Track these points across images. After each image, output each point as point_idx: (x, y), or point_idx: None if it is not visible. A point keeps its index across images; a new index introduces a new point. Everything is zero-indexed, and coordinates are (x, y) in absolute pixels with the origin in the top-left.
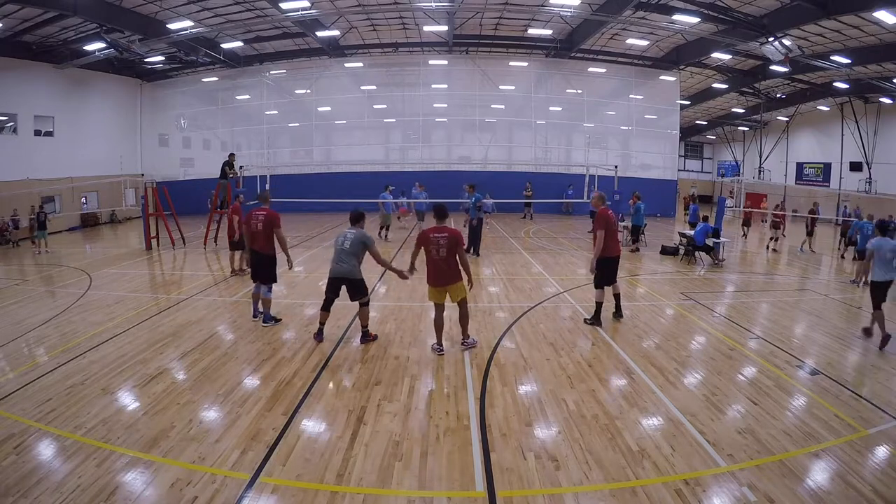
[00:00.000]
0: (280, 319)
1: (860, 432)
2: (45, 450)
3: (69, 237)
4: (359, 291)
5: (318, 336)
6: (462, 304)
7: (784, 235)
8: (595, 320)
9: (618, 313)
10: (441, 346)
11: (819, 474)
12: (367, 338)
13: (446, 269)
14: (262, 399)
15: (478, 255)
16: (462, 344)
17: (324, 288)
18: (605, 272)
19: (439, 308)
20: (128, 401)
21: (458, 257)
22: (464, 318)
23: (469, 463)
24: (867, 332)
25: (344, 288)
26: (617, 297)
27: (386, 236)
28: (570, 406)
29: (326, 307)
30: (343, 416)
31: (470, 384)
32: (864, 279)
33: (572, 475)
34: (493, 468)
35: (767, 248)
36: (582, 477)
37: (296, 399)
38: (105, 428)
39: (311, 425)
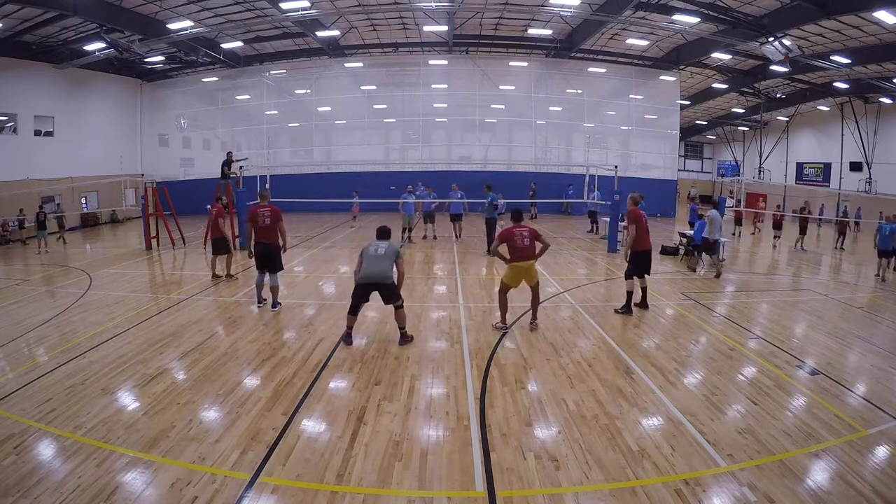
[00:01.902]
0: (280, 303)
1: (860, 432)
2: (45, 450)
3: (69, 237)
4: (393, 294)
5: (349, 339)
6: (536, 288)
7: (758, 231)
8: (626, 309)
9: (643, 304)
10: (505, 323)
11: (819, 474)
12: (405, 339)
13: (530, 250)
14: (262, 399)
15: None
16: (531, 324)
17: (324, 288)
18: (637, 264)
19: (507, 290)
20: (128, 401)
21: (540, 243)
22: (536, 301)
23: (469, 463)
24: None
25: (377, 293)
26: (644, 290)
27: (409, 238)
28: (570, 406)
29: (354, 311)
30: (343, 416)
31: (470, 384)
32: (882, 274)
33: (572, 475)
34: (493, 468)
35: (735, 235)
36: (582, 477)
37: (296, 399)
38: (105, 428)
39: (311, 425)
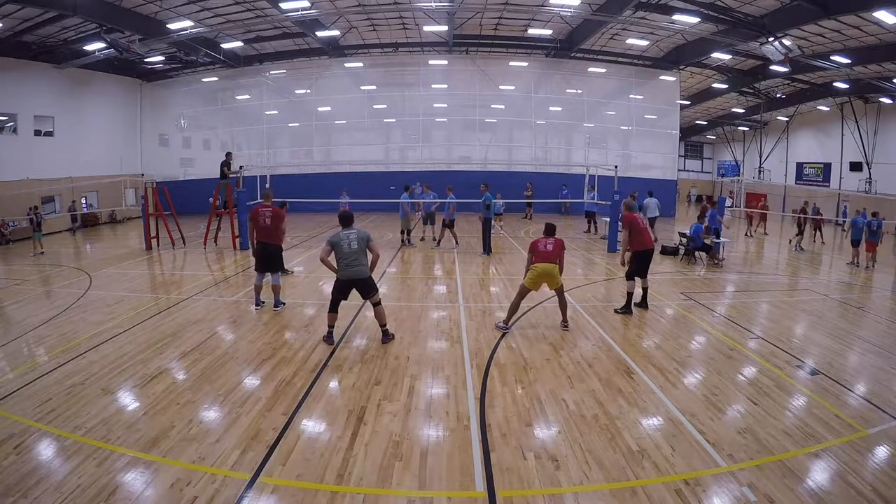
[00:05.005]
0: (285, 303)
1: (860, 432)
2: (45, 450)
3: (68, 237)
4: (371, 289)
5: (329, 339)
6: (560, 293)
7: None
8: (626, 310)
9: (643, 304)
10: (507, 324)
11: (819, 474)
12: (387, 337)
13: (552, 255)
14: (262, 399)
15: (489, 253)
16: (563, 327)
17: (324, 288)
18: (637, 264)
19: (525, 294)
20: (128, 401)
21: (560, 257)
22: (563, 305)
23: (469, 463)
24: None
25: (354, 289)
26: (645, 290)
27: (408, 240)
28: (570, 406)
29: (335, 308)
30: (343, 416)
31: (470, 384)
32: (856, 261)
33: (572, 475)
34: (493, 468)
35: (746, 234)
36: (582, 477)
37: (296, 399)
38: (105, 428)
39: (311, 425)
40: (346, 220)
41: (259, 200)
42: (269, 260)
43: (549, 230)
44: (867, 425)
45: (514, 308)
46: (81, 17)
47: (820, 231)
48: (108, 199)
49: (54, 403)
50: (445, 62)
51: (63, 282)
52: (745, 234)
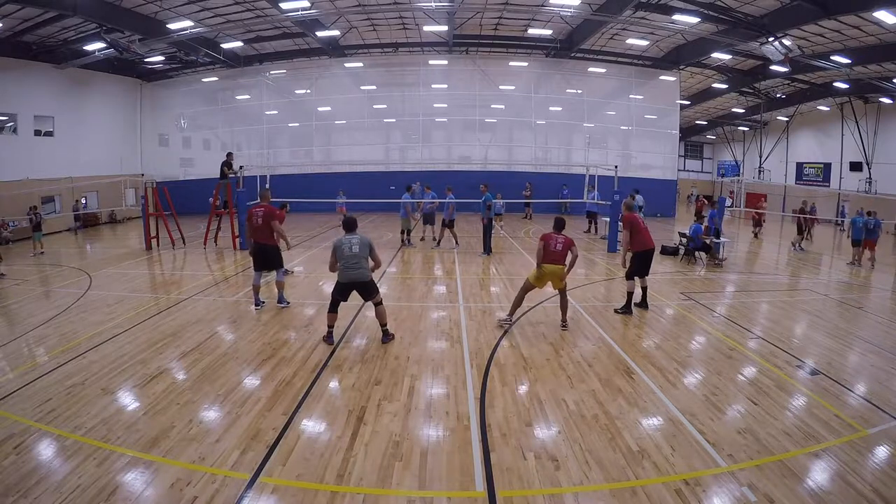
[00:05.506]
0: (289, 302)
1: (860, 432)
2: (45, 450)
3: (69, 237)
4: (372, 291)
5: (329, 339)
6: (563, 293)
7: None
8: (626, 309)
9: (643, 304)
10: (511, 318)
11: (819, 474)
12: (387, 337)
13: (561, 256)
14: (262, 399)
15: (489, 253)
16: (562, 327)
17: (324, 288)
18: (637, 264)
19: (529, 291)
20: (128, 401)
21: (570, 254)
22: (565, 306)
23: (469, 463)
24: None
25: (355, 291)
26: (644, 290)
27: (408, 241)
28: (570, 406)
29: (334, 309)
30: (343, 416)
31: (470, 384)
32: (856, 261)
33: (572, 475)
34: (493, 468)
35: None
36: (582, 477)
37: (296, 399)
38: (105, 428)
39: (311, 425)
40: (349, 226)
41: (258, 201)
42: (265, 259)
43: (559, 225)
44: (867, 425)
45: (517, 302)
46: (81, 17)
47: (810, 229)
48: (108, 199)
49: (54, 403)
50: (445, 62)
51: (63, 282)
52: (752, 233)
